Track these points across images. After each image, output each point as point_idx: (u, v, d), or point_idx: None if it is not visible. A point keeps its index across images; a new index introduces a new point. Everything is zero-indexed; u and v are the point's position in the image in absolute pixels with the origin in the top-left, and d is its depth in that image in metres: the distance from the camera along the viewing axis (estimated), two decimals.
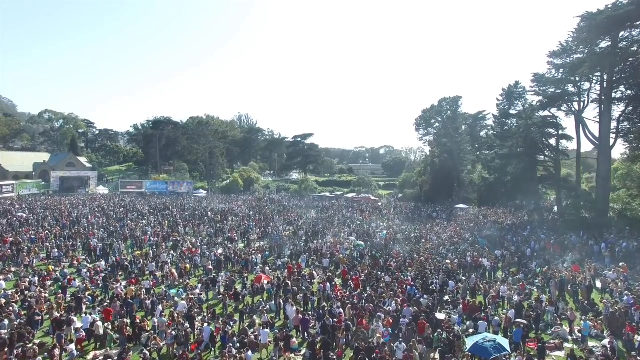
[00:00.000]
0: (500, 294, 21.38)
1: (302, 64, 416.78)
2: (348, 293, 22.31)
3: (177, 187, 78.87)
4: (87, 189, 75.43)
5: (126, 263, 27.33)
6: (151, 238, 34.93)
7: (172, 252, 31.88)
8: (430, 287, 22.04)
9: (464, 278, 24.86)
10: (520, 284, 23.01)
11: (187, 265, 26.80)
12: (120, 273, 26.61)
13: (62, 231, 39.08)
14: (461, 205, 59.32)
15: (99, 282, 24.20)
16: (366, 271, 25.76)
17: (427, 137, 75.65)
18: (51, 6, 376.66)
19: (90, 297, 21.07)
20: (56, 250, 30.03)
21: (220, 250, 33.35)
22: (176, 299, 21.54)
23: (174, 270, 25.87)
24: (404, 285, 22.37)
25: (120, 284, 23.89)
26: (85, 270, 26.20)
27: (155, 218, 46.80)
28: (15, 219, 44.68)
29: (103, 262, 28.12)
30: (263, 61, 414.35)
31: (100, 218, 45.97)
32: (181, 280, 25.40)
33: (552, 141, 44.10)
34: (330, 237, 38.30)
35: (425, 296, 20.27)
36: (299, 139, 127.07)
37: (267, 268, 27.53)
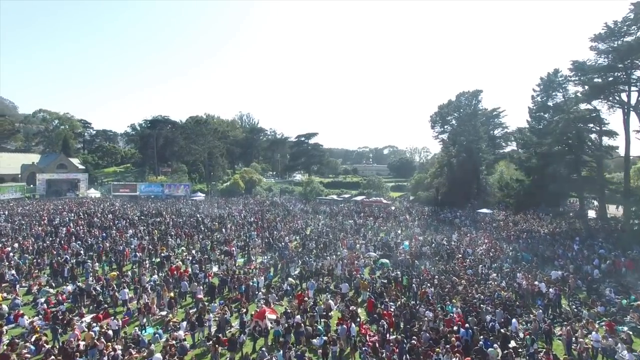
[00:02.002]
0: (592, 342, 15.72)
1: (303, 63, 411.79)
2: (379, 335, 16.89)
3: (173, 189, 73.52)
4: (77, 192, 70.12)
5: (94, 289, 21.86)
6: (136, 253, 29.46)
7: (157, 272, 26.53)
8: (488, 328, 16.55)
9: (530, 315, 19.17)
10: (606, 323, 17.44)
11: (171, 294, 21.31)
12: (87, 302, 21.27)
13: (36, 243, 33.80)
14: (484, 210, 53.80)
15: (58, 315, 18.77)
16: (398, 302, 20.25)
17: (442, 135, 69.97)
18: (51, 6, 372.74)
19: (32, 348, 15.63)
20: (13, 271, 24.59)
21: (215, 268, 27.95)
22: (152, 346, 16.14)
23: (154, 300, 20.42)
24: (453, 326, 16.89)
25: (82, 322, 18.54)
26: (43, 300, 20.79)
27: (145, 227, 41.41)
28: None
29: (69, 287, 22.70)
30: (264, 60, 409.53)
31: (82, 227, 40.57)
32: (162, 314, 20.03)
33: (593, 138, 38.69)
34: (345, 250, 32.80)
35: (494, 345, 14.71)
36: (303, 139, 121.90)
37: (272, 295, 22.06)
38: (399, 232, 42.91)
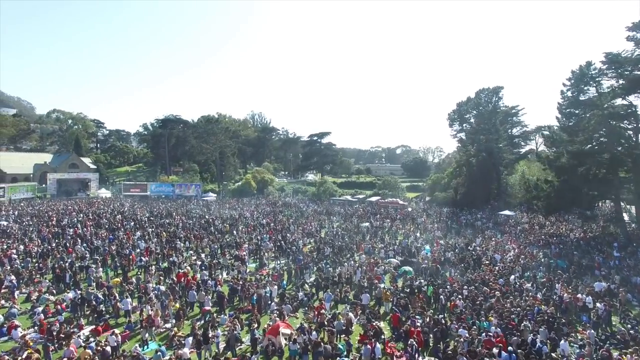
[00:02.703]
0: None
1: (315, 62, 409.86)
2: (407, 357, 14.95)
3: (184, 189, 72.28)
4: (88, 192, 69.37)
5: (94, 298, 20.29)
6: (141, 258, 27.89)
7: (164, 278, 24.93)
8: (535, 351, 14.41)
9: (578, 335, 16.96)
10: None
11: (177, 305, 19.61)
12: (87, 311, 19.72)
13: (42, 245, 32.60)
14: (506, 212, 51.21)
15: (53, 329, 17.22)
16: (426, 317, 18.21)
17: (460, 133, 67.32)
18: (65, 7, 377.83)
19: None
20: (12, 277, 23.19)
21: (225, 275, 26.24)
22: None
23: (159, 311, 18.74)
24: (492, 347, 14.80)
25: (80, 335, 16.95)
26: (41, 309, 19.28)
27: (153, 228, 39.98)
28: None
29: (71, 294, 21.15)
30: (276, 59, 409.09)
31: (89, 228, 39.30)
32: (167, 326, 18.37)
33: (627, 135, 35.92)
34: (363, 255, 30.81)
35: None
36: (315, 138, 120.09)
37: (286, 305, 20.20)
38: (418, 234, 40.82)
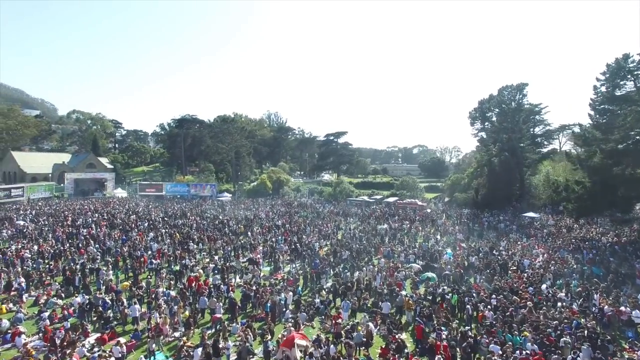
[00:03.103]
0: None
1: (332, 62, 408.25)
2: None
3: (199, 189, 71.87)
4: (104, 192, 69.63)
5: (102, 302, 19.49)
6: (152, 260, 27.10)
7: (175, 282, 24.09)
8: None
9: (625, 354, 15.32)
10: None
11: (186, 313, 18.63)
12: (94, 317, 18.91)
13: (55, 245, 32.23)
14: (530, 214, 48.99)
15: (57, 337, 16.40)
16: (453, 329, 16.77)
17: (482, 132, 64.97)
18: (84, 6, 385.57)
19: None
20: (22, 280, 22.63)
21: (238, 279, 25.20)
22: None
23: (167, 319, 17.77)
24: None
25: (85, 343, 16.10)
26: (47, 314, 18.58)
27: (167, 229, 39.35)
28: (8, 229, 38.42)
29: (79, 298, 20.40)
30: (293, 59, 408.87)
31: (101, 229, 38.88)
32: (177, 335, 17.38)
33: None
34: (382, 259, 29.39)
35: None
36: (332, 138, 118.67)
37: (302, 314, 18.99)
38: (438, 237, 39.16)
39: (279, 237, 35.91)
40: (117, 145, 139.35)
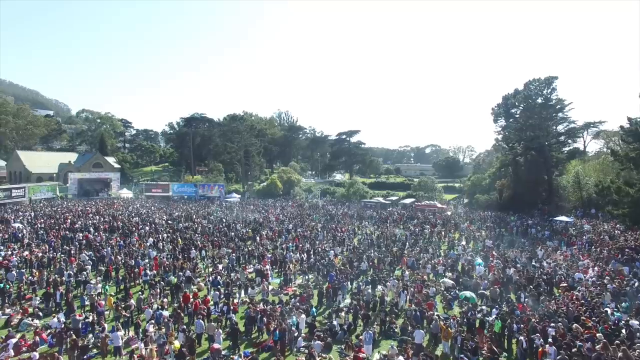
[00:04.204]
0: None
1: (342, 61, 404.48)
2: None
3: (207, 190, 69.03)
4: (109, 192, 67.26)
5: (82, 325, 16.50)
6: (147, 272, 24.07)
7: (172, 297, 21.06)
8: None
9: None
10: None
11: (176, 344, 15.47)
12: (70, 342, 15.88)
13: (47, 252, 29.51)
14: (562, 218, 45.06)
15: None
16: None
17: (506, 130, 60.79)
18: (93, 7, 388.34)
19: None
20: None
21: (242, 295, 22.02)
22: None
23: (154, 353, 14.65)
24: None
25: None
26: (14, 341, 15.61)
27: (169, 234, 36.45)
28: (2, 232, 35.90)
29: (57, 319, 17.38)
30: (304, 57, 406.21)
31: (99, 234, 36.10)
32: None
33: None
34: (406, 271, 25.92)
35: None
36: (344, 137, 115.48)
37: (316, 342, 15.69)
38: (464, 243, 35.59)
39: (290, 244, 32.67)
40: (126, 145, 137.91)
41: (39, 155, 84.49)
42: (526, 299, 20.54)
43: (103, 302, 19.38)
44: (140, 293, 20.94)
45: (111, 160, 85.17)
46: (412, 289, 21.86)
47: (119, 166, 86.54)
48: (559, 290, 21.78)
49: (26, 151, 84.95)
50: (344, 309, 19.37)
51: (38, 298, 20.39)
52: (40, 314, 18.82)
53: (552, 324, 16.16)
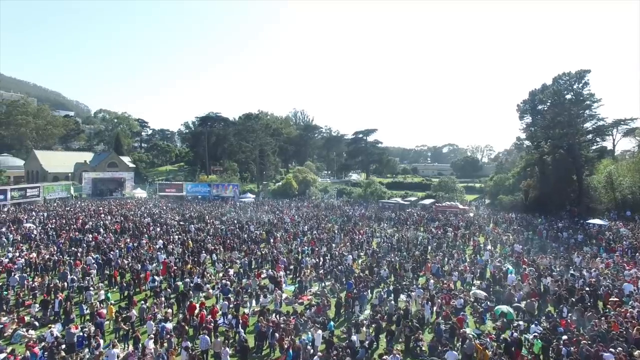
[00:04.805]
0: None
1: (358, 59, 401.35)
2: None
3: (221, 190, 67.82)
4: (123, 192, 66.71)
5: (77, 339, 15.04)
6: (154, 277, 22.61)
7: (175, 308, 19.51)
8: None
9: None
10: None
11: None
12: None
13: (54, 254, 28.41)
14: (596, 221, 42.17)
15: None
16: None
17: (531, 128, 57.80)
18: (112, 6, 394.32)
19: None
20: None
21: (253, 305, 20.31)
22: None
23: None
24: None
25: None
26: (3, 356, 14.24)
27: (181, 235, 35.11)
28: (13, 233, 35.15)
29: (50, 332, 15.93)
30: (319, 56, 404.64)
31: (108, 235, 34.97)
32: None
33: None
34: (431, 278, 23.81)
35: None
36: (361, 136, 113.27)
37: None
38: (489, 247, 33.21)
39: (305, 247, 30.88)
40: (142, 145, 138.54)
41: (55, 155, 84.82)
42: (569, 315, 18.26)
43: (105, 311, 17.96)
44: (143, 302, 19.39)
45: (126, 159, 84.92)
46: (439, 300, 19.81)
47: (134, 166, 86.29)
48: (608, 305, 19.36)
49: (43, 151, 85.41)
50: (365, 322, 17.45)
51: (37, 305, 19.10)
52: (37, 323, 17.45)
53: (611, 349, 13.87)
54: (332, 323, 17.24)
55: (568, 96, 52.21)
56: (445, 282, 23.33)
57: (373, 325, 17.36)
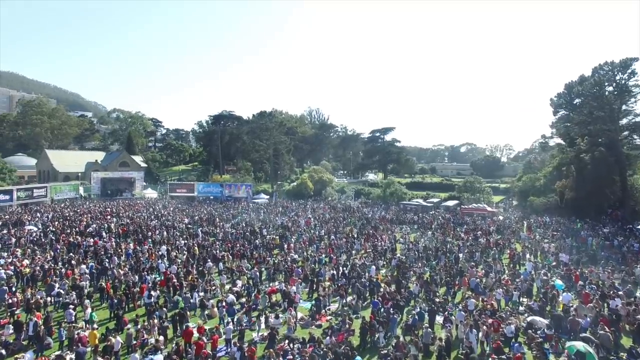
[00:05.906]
0: None
1: (373, 58, 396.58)
2: None
3: (234, 190, 65.10)
4: (133, 192, 64.60)
5: None
6: (151, 292, 19.69)
7: (174, 331, 16.56)
8: None
9: None
10: None
11: None
12: None
13: (46, 262, 25.91)
14: None
15: None
16: None
17: (564, 123, 53.31)
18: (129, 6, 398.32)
19: None
20: None
21: (262, 326, 17.17)
22: None
23: None
24: None
25: None
26: None
27: (187, 241, 32.28)
28: (13, 236, 32.88)
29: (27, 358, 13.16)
30: (335, 55, 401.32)
31: (110, 240, 32.38)
32: None
33: None
34: (471, 297, 20.23)
35: None
36: (378, 134, 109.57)
37: None
38: (528, 256, 29.46)
39: (322, 256, 27.62)
40: (157, 144, 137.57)
41: (67, 154, 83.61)
42: None
43: (86, 337, 15.07)
44: (134, 323, 16.45)
45: (138, 159, 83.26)
46: (485, 326, 16.31)
47: (146, 165, 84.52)
48: None
49: (54, 150, 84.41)
50: (398, 356, 14.08)
51: (11, 327, 16.39)
52: (3, 352, 14.63)
53: None
54: (358, 358, 13.91)
55: (609, 88, 47.57)
56: (485, 300, 19.82)
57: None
